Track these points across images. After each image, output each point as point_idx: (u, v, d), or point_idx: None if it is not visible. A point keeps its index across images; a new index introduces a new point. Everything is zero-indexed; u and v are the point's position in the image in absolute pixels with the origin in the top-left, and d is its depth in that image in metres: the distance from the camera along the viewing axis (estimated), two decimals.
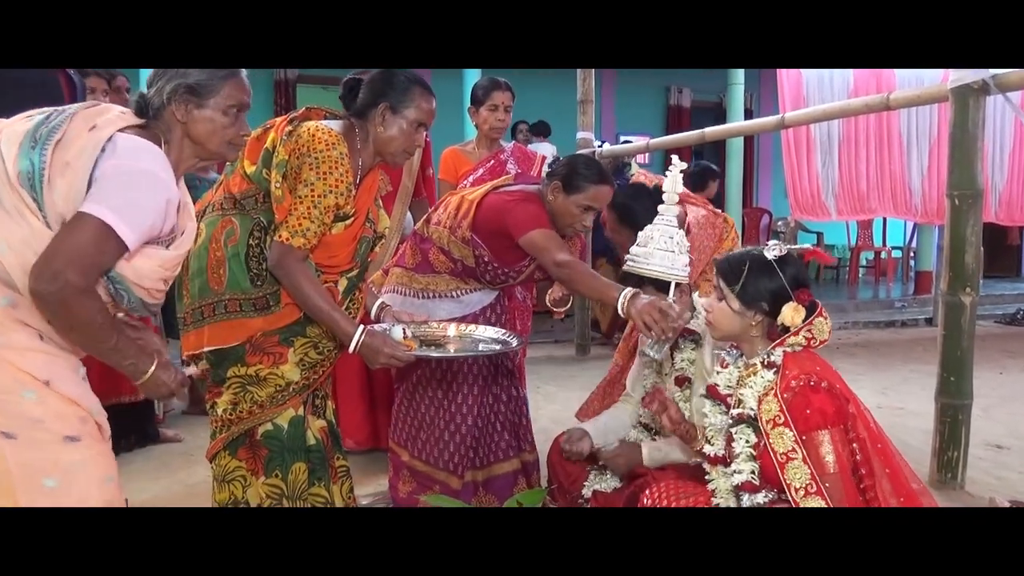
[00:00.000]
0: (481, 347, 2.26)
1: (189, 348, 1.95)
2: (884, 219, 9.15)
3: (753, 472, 1.64)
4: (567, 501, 2.31)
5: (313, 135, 1.86)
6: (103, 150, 1.39)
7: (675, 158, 2.15)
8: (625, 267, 2.12)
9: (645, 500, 1.80)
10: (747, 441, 1.65)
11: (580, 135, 5.27)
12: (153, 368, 1.50)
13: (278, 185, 1.86)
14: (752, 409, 1.65)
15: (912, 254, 9.59)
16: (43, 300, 1.34)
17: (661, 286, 2.06)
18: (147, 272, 1.46)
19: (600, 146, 5.50)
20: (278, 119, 2.01)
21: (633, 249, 2.11)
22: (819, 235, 9.71)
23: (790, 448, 1.55)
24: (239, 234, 1.91)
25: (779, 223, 9.68)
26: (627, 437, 2.31)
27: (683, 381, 2.18)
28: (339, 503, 2.02)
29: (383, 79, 1.99)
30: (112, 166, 1.38)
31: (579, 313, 5.60)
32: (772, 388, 1.63)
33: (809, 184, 6.37)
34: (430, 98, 2.01)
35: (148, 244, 1.45)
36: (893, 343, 6.37)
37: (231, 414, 1.92)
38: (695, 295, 2.23)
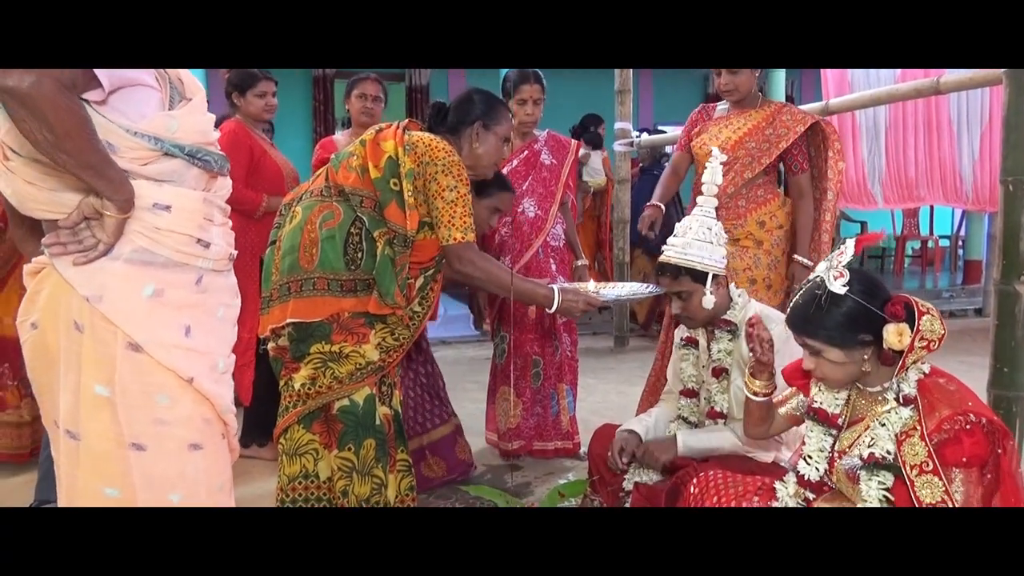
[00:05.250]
0: (631, 293, 2.63)
1: (273, 322, 2.04)
2: (931, 207, 8.92)
3: None
4: (608, 493, 2.29)
5: (429, 145, 2.01)
6: None
7: (715, 150, 2.19)
8: (662, 257, 2.13)
9: (692, 489, 1.78)
10: (881, 483, 1.50)
11: (618, 125, 5.24)
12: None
13: (411, 193, 1.98)
14: (889, 453, 1.49)
15: (960, 243, 9.34)
16: (15, 97, 1.11)
17: (698, 277, 2.08)
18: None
19: (638, 136, 5.46)
20: (384, 126, 2.11)
21: (670, 240, 2.14)
22: (863, 224, 9.50)
23: (939, 500, 1.41)
24: (339, 219, 2.01)
25: None
26: (668, 431, 2.29)
27: (720, 372, 2.17)
28: (392, 493, 2.07)
29: (475, 100, 2.19)
30: None
31: (616, 305, 5.56)
32: (915, 429, 1.46)
33: (854, 172, 6.24)
34: (509, 114, 2.27)
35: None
36: None
37: (309, 388, 2.01)
38: (731, 286, 2.22)
